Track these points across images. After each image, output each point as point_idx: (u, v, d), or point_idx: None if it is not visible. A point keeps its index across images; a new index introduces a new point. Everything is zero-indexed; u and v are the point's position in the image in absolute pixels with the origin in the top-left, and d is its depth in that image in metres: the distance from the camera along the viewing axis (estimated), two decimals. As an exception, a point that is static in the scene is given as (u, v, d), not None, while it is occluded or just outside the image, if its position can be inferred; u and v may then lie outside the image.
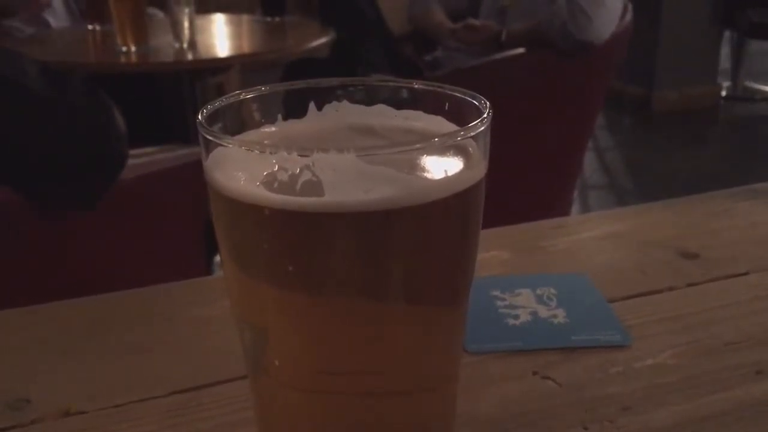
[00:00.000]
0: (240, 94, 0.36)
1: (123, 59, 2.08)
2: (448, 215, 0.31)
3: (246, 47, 2.61)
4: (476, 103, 0.34)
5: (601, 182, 3.53)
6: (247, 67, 2.53)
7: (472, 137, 0.31)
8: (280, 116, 0.38)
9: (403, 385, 0.33)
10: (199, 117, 0.33)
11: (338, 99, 0.38)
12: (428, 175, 0.31)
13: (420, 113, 0.37)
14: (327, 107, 0.38)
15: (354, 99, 0.38)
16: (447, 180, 0.31)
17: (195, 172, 1.45)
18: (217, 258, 2.32)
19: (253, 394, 0.39)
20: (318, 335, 0.31)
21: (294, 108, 0.38)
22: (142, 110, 2.24)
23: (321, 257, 0.29)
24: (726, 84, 4.58)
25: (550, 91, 2.39)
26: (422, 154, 0.31)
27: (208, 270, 2.08)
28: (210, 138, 0.31)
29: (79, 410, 0.50)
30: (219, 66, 2.29)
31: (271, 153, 0.29)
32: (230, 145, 0.30)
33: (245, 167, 0.30)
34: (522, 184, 2.27)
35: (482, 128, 0.31)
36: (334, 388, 0.33)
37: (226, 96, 0.35)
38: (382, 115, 0.38)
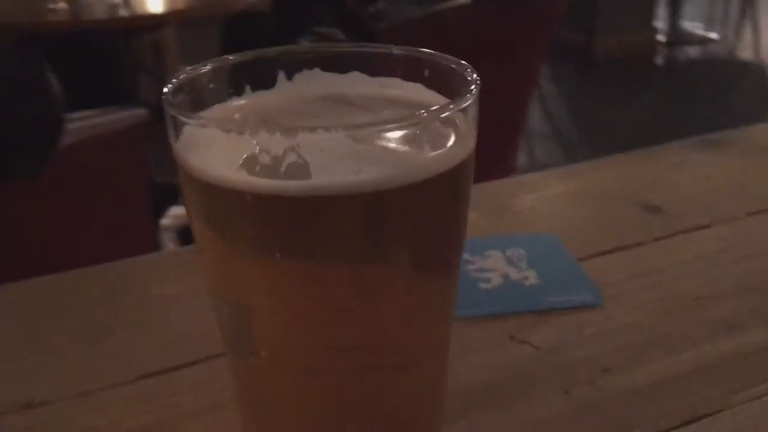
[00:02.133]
0: (205, 65, 0.34)
1: (54, 17, 1.99)
2: (441, 191, 0.30)
3: (183, 2, 2.52)
4: (460, 71, 0.32)
5: (545, 131, 3.56)
6: (185, 23, 2.44)
7: (461, 110, 0.29)
8: (248, 87, 0.35)
9: (397, 359, 0.32)
10: (165, 92, 0.30)
11: (309, 67, 0.36)
12: (419, 152, 0.29)
13: (396, 80, 0.35)
14: (298, 76, 0.36)
15: (326, 66, 0.35)
16: (439, 156, 0.29)
17: (137, 134, 1.41)
18: (164, 221, 2.28)
19: (234, 375, 0.37)
20: (309, 314, 0.29)
21: (263, 78, 0.35)
22: (75, 71, 2.15)
23: (311, 242, 0.27)
24: (662, 28, 4.64)
25: (497, 41, 2.37)
26: (412, 130, 0.29)
27: (154, 233, 2.03)
28: (181, 117, 0.29)
29: (42, 401, 0.48)
30: (156, 22, 2.20)
31: (251, 134, 0.27)
32: (205, 126, 0.28)
33: (222, 149, 0.28)
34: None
35: (472, 100, 0.29)
36: (325, 365, 0.31)
37: (191, 67, 0.33)
38: (357, 84, 0.36)
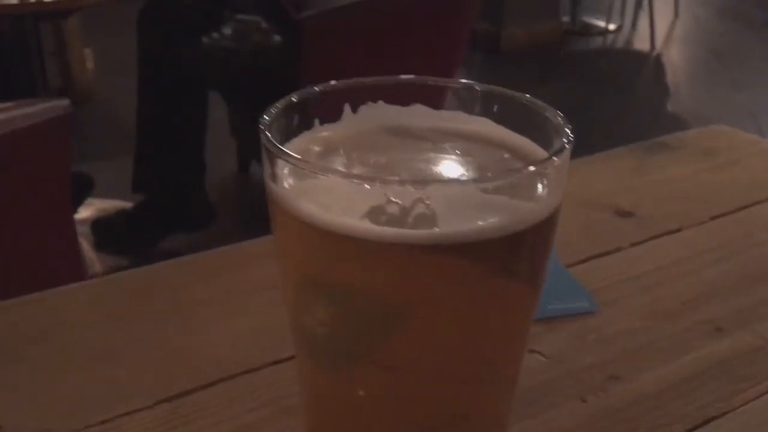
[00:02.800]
0: (283, 101, 0.33)
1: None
2: (548, 231, 0.31)
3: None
4: (546, 114, 0.33)
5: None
6: (96, 7, 2.34)
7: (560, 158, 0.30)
8: (317, 121, 0.35)
9: (490, 372, 0.33)
10: (268, 138, 0.30)
11: (373, 99, 0.36)
12: (530, 198, 0.30)
13: (460, 113, 0.36)
14: (362, 108, 0.36)
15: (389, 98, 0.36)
16: (547, 201, 0.30)
17: (60, 126, 1.36)
18: (79, 214, 2.18)
19: (333, 384, 0.36)
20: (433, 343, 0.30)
21: (330, 111, 0.35)
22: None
23: (436, 288, 0.28)
24: (567, 20, 4.79)
25: (417, 29, 2.40)
26: (529, 178, 0.30)
27: (74, 226, 1.95)
28: (306, 169, 0.28)
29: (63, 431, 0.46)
30: (67, 7, 2.10)
31: (382, 185, 0.27)
32: (330, 176, 0.28)
33: (343, 197, 0.28)
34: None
35: (570, 147, 0.31)
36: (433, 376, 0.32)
37: (273, 107, 0.32)
38: (418, 116, 0.36)
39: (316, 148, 0.34)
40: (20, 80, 2.33)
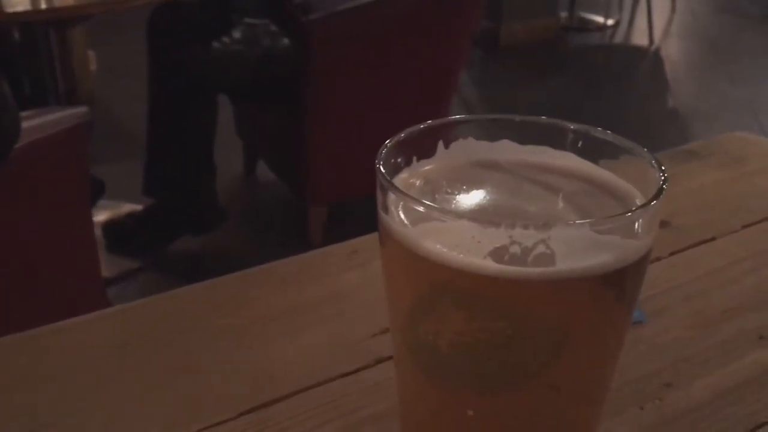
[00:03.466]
0: (390, 141, 0.36)
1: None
2: (643, 267, 0.33)
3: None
4: (629, 149, 0.36)
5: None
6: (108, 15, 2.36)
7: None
8: (414, 158, 0.38)
9: (587, 393, 0.36)
10: (385, 182, 0.33)
11: (463, 136, 0.39)
12: (633, 236, 0.33)
13: (546, 148, 0.39)
14: (453, 144, 0.39)
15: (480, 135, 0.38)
16: (644, 239, 0.33)
17: (80, 133, 1.39)
18: (99, 217, 2.20)
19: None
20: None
21: (426, 148, 0.38)
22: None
23: (550, 321, 0.31)
24: (565, 15, 4.82)
25: (423, 31, 2.42)
26: (632, 219, 0.32)
27: (92, 235, 1.96)
28: (429, 211, 0.31)
29: (150, 446, 0.49)
30: (80, 15, 2.12)
31: (507, 228, 0.30)
32: (458, 220, 0.31)
33: (465, 237, 0.30)
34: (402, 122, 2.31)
35: (666, 189, 0.33)
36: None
37: (384, 146, 0.35)
38: (507, 151, 0.39)
39: (417, 183, 0.37)
40: (30, 87, 2.34)
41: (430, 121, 0.38)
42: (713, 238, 0.73)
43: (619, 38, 4.88)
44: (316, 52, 2.23)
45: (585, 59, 4.55)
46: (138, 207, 2.46)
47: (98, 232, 2.38)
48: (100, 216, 2.44)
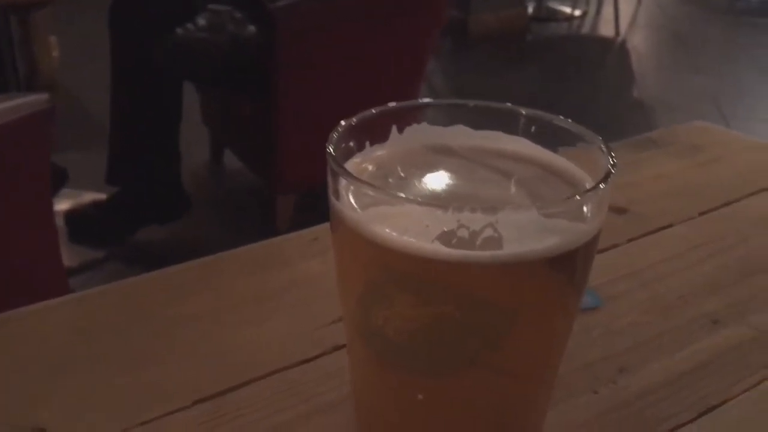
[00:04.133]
0: (340, 126, 0.36)
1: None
2: (592, 249, 0.34)
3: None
4: (580, 134, 0.36)
5: (429, 106, 3.64)
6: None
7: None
8: (368, 143, 0.37)
9: (532, 372, 0.36)
10: (336, 167, 0.32)
11: (417, 121, 0.38)
12: (581, 219, 0.33)
13: (499, 133, 0.39)
14: (407, 129, 0.38)
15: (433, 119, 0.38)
16: (593, 222, 0.33)
17: (41, 120, 1.36)
18: (61, 206, 2.16)
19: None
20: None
21: (379, 133, 0.38)
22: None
23: (497, 301, 0.31)
24: (531, 6, 4.83)
25: (391, 19, 2.42)
26: (581, 202, 0.32)
27: (53, 224, 1.94)
28: (379, 195, 0.31)
29: (104, 434, 0.48)
30: (42, 1, 2.07)
31: (455, 212, 0.30)
32: (407, 204, 0.30)
33: (416, 222, 0.30)
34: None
35: (615, 173, 0.33)
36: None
37: (335, 131, 0.35)
38: (460, 136, 0.39)
39: (369, 168, 0.37)
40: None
41: (382, 106, 0.38)
42: (671, 225, 0.74)
43: (586, 29, 4.91)
44: (284, 40, 2.21)
45: (553, 50, 4.58)
46: (101, 196, 2.43)
47: (61, 221, 2.35)
48: (62, 205, 2.40)
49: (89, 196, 2.47)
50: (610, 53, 4.62)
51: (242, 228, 2.50)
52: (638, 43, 4.69)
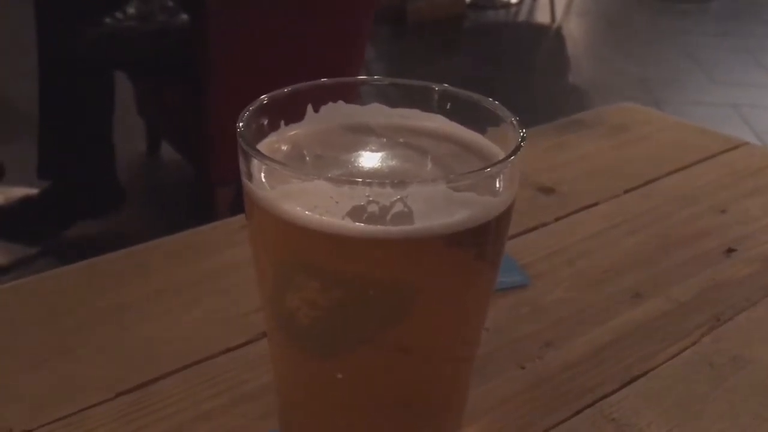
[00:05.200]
0: (252, 105, 0.35)
1: None
2: (505, 222, 0.34)
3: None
4: (495, 111, 0.36)
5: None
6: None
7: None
8: (282, 122, 0.37)
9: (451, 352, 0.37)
10: (245, 146, 0.32)
11: (333, 100, 0.38)
12: (493, 193, 0.33)
13: (416, 111, 0.39)
14: (323, 108, 0.38)
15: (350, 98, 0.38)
16: (504, 196, 0.33)
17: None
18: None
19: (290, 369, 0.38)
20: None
21: (294, 112, 0.37)
22: None
23: (412, 277, 0.31)
24: (469, -7, 4.86)
25: (325, 3, 2.40)
26: (491, 175, 0.33)
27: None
28: (287, 172, 0.31)
29: (23, 429, 0.47)
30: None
31: (363, 186, 0.29)
32: (316, 180, 0.30)
33: (325, 198, 0.30)
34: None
35: (524, 147, 0.34)
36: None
37: (246, 110, 0.34)
38: (377, 114, 0.39)
39: (284, 147, 0.36)
40: None
41: (296, 85, 0.37)
42: (596, 204, 0.76)
43: (522, 16, 4.97)
44: (213, 26, 2.17)
45: (490, 36, 4.61)
46: (33, 191, 2.36)
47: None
48: (-7, 202, 2.33)
49: (20, 191, 2.40)
50: (546, 40, 4.69)
51: (180, 221, 2.45)
52: (573, 30, 4.76)
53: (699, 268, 0.66)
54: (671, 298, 0.62)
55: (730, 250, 0.69)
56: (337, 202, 0.30)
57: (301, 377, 0.37)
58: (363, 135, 0.38)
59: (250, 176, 0.33)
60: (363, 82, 0.39)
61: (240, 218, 0.68)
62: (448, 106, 0.38)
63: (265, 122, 0.36)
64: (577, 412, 0.51)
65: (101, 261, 0.63)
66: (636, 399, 0.52)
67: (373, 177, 0.32)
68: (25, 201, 2.34)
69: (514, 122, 0.35)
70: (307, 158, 0.36)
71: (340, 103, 0.38)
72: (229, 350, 0.54)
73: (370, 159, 0.36)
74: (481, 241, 0.33)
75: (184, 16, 2.26)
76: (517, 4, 4.97)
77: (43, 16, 2.16)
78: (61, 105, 2.22)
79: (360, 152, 0.36)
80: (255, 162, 0.32)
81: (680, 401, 0.52)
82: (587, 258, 0.67)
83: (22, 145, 2.44)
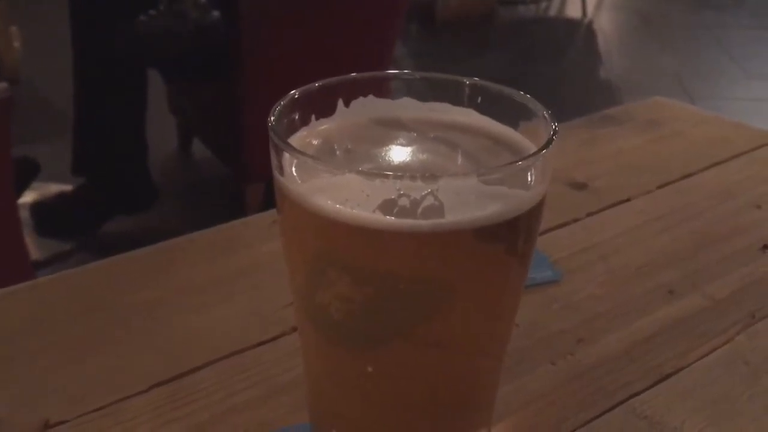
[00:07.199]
0: (283, 100, 0.35)
1: None
2: (537, 216, 0.34)
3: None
4: (526, 104, 0.36)
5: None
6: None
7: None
8: (313, 117, 0.37)
9: (482, 348, 0.37)
10: (277, 140, 0.32)
11: (364, 94, 0.38)
12: (524, 186, 0.33)
13: (447, 105, 0.39)
14: (354, 103, 0.38)
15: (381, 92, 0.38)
16: (537, 189, 0.33)
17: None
18: (26, 199, 2.14)
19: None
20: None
21: (325, 107, 0.37)
22: None
23: (444, 271, 0.31)
24: (499, -12, 4.83)
25: (356, 1, 2.40)
26: (522, 169, 0.32)
27: (17, 218, 1.91)
28: (318, 166, 0.31)
29: (59, 420, 0.48)
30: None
31: (394, 180, 0.29)
32: (347, 173, 0.30)
33: (357, 192, 0.30)
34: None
35: (556, 140, 0.33)
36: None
37: (277, 104, 0.34)
38: (408, 108, 0.39)
39: (315, 142, 0.36)
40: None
41: (327, 79, 0.37)
42: (629, 199, 0.75)
43: (553, 11, 4.93)
44: (247, 25, 2.19)
45: (520, 33, 4.58)
46: (68, 187, 2.40)
47: (26, 214, 2.32)
48: (28, 198, 2.37)
49: (55, 188, 2.43)
50: (577, 35, 4.64)
51: (211, 218, 2.48)
52: (604, 24, 4.71)
53: (734, 264, 0.65)
54: (706, 295, 0.61)
55: (766, 247, 0.67)
56: (367, 196, 0.30)
57: (331, 370, 0.37)
58: (393, 129, 0.38)
59: (281, 170, 0.33)
60: (394, 76, 0.39)
61: (271, 214, 0.69)
62: (479, 100, 0.38)
63: (296, 117, 0.36)
64: (609, 410, 0.50)
65: (135, 256, 0.64)
66: (668, 397, 0.51)
67: (403, 170, 0.32)
68: (60, 197, 2.38)
69: (546, 115, 0.35)
70: (338, 152, 0.36)
71: (371, 97, 0.38)
72: (261, 343, 0.54)
73: (400, 153, 0.36)
74: (512, 235, 0.33)
75: (217, 14, 2.28)
76: (548, 0, 4.93)
77: (78, 16, 2.19)
78: (96, 103, 2.25)
79: (390, 146, 0.37)
80: (286, 156, 0.33)
81: (714, 400, 0.51)
82: (620, 254, 0.66)
83: (56, 142, 2.49)
